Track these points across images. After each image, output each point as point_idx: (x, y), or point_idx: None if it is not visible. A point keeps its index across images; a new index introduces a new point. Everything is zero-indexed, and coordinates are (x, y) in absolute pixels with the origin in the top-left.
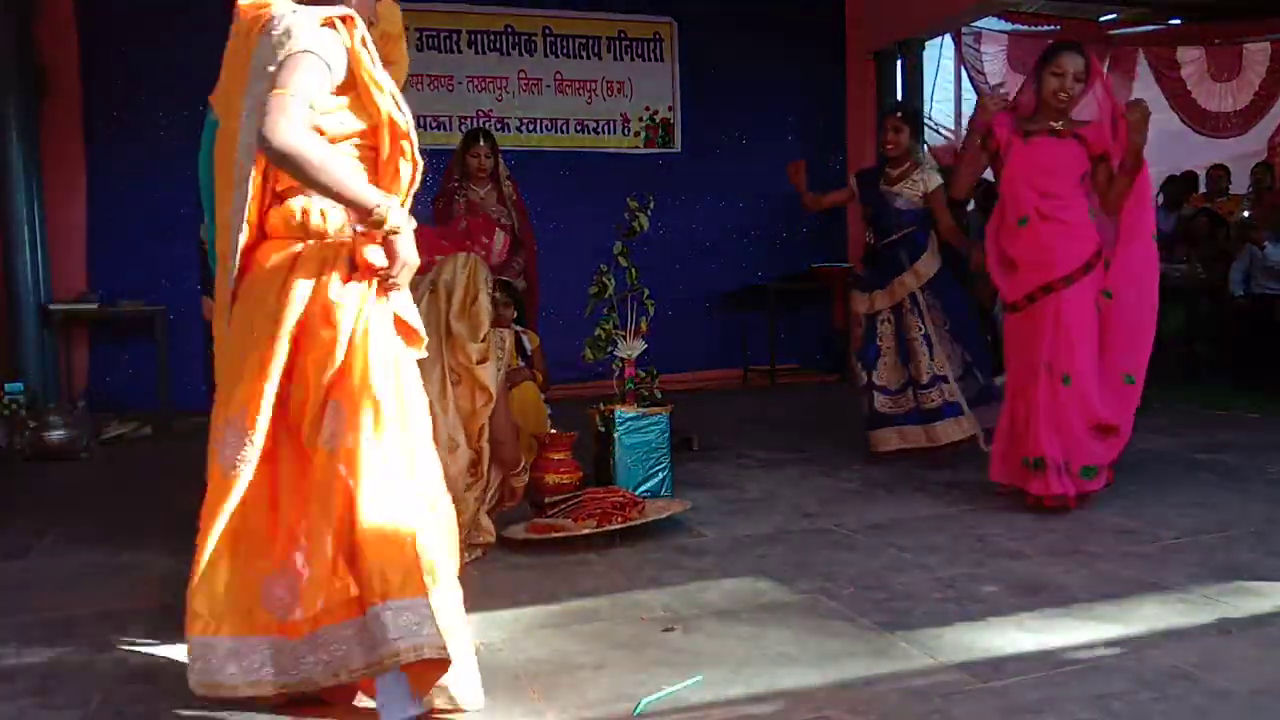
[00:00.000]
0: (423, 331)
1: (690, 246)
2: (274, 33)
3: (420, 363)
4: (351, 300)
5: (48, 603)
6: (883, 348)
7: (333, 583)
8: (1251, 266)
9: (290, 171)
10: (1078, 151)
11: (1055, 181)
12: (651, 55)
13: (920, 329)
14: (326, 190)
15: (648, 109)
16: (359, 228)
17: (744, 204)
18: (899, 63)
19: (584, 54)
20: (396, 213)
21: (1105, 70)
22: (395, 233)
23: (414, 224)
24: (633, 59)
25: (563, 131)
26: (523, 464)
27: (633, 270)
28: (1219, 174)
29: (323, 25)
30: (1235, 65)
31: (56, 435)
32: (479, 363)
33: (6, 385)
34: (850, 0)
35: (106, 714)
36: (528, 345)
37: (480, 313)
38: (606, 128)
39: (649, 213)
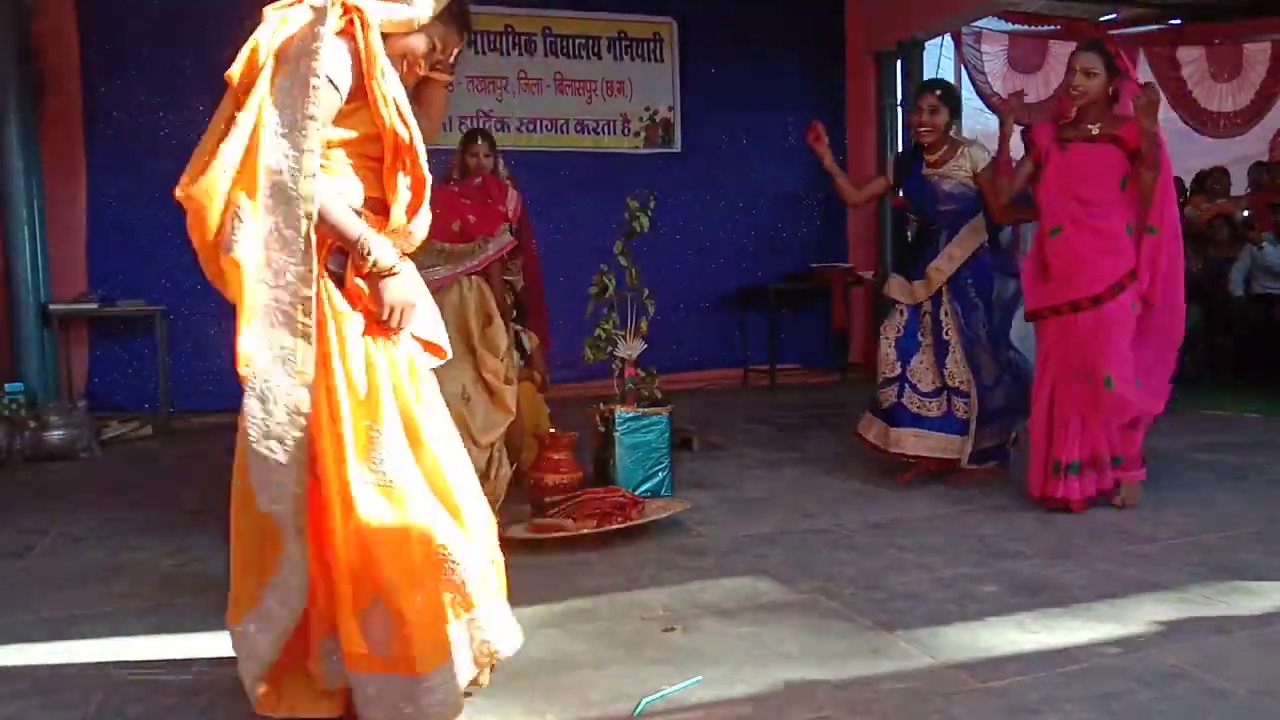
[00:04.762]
0: (445, 344)
1: (690, 246)
2: (311, 44)
3: (441, 368)
4: (352, 326)
5: (48, 603)
6: (923, 343)
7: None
8: (1252, 266)
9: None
10: (1115, 155)
11: (1091, 188)
12: (651, 55)
13: (949, 332)
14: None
15: (648, 109)
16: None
17: (744, 204)
18: (899, 63)
19: (584, 54)
20: (383, 249)
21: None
22: (382, 274)
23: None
24: (633, 59)
25: (563, 131)
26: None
27: (633, 270)
28: (1217, 174)
29: (339, 35)
30: (1236, 65)
31: (56, 435)
32: (505, 383)
33: (6, 385)
34: (850, 0)
35: (106, 714)
36: (527, 345)
37: (497, 334)
38: (606, 128)
39: (649, 212)
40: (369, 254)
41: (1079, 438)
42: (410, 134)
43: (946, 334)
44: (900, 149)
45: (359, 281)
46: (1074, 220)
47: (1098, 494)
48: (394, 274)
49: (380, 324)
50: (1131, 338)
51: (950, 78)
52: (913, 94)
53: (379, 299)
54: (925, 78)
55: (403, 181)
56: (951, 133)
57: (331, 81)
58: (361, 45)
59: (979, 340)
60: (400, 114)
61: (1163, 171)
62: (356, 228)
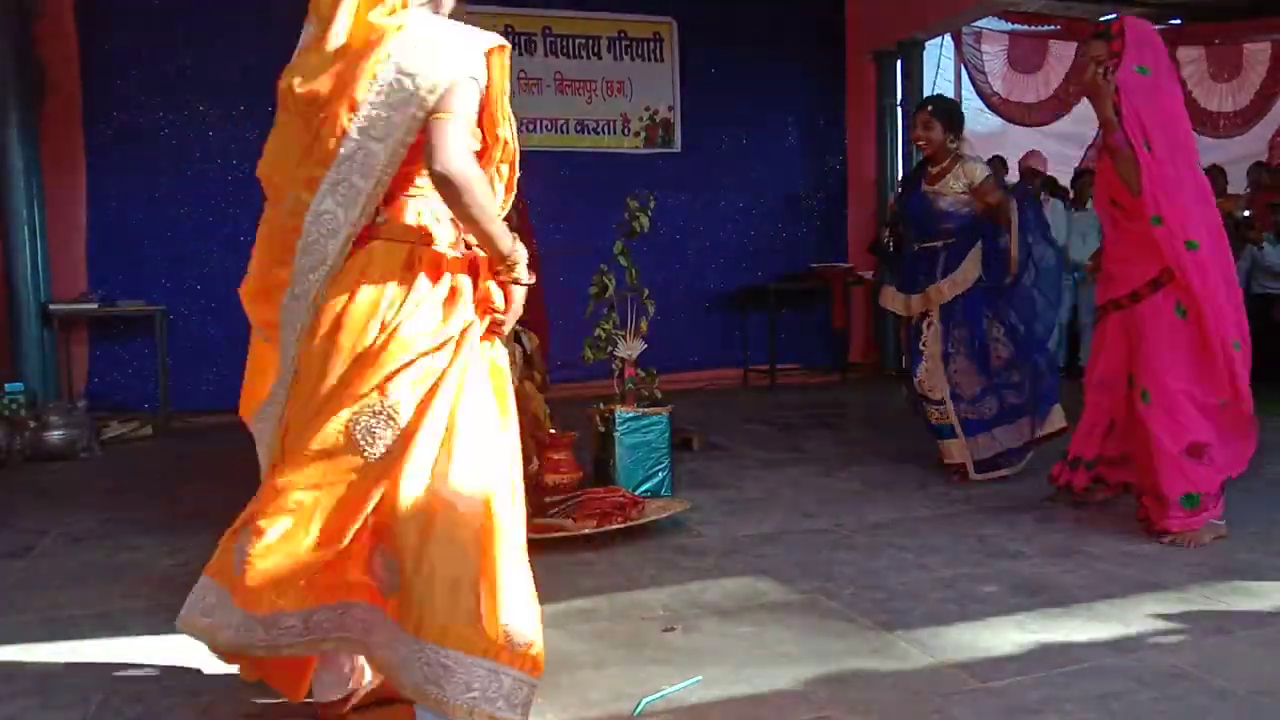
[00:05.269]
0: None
1: (690, 246)
2: (437, 49)
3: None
4: (456, 321)
5: (48, 603)
6: (925, 353)
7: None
8: (1252, 266)
9: (448, 196)
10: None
11: (1119, 192)
12: (651, 55)
13: (925, 344)
14: (476, 223)
15: (648, 109)
16: (462, 251)
17: (744, 204)
18: (899, 63)
19: (584, 54)
20: (524, 265)
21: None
22: (518, 282)
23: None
24: (633, 59)
25: (562, 131)
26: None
27: (633, 270)
28: (1213, 174)
29: (486, 53)
30: (1236, 65)
31: (56, 435)
32: None
33: (6, 385)
34: (850, 0)
35: (106, 714)
36: (526, 345)
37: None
38: (606, 127)
39: (649, 212)
40: (518, 264)
41: (1101, 441)
42: (515, 148)
43: (923, 345)
44: (900, 150)
45: (492, 286)
46: (1112, 222)
47: (1116, 489)
48: (528, 285)
49: (497, 326)
50: (1177, 350)
51: (950, 78)
52: (913, 107)
53: (509, 302)
54: (925, 78)
55: (499, 189)
56: (958, 147)
57: (480, 89)
58: (497, 68)
59: (956, 355)
60: (512, 129)
61: (1155, 162)
62: (510, 238)
